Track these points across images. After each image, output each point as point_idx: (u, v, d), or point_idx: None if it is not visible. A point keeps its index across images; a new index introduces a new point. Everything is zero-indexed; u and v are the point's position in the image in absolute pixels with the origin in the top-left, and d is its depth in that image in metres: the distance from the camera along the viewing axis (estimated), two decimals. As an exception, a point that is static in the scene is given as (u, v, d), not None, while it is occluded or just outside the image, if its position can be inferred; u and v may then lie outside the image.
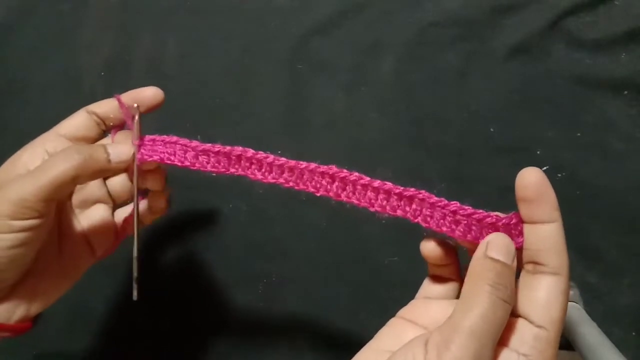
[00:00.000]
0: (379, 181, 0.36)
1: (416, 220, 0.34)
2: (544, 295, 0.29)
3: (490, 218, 0.32)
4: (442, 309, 0.34)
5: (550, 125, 0.57)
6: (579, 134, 0.56)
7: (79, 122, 0.41)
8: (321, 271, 0.56)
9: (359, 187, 0.36)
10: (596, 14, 0.57)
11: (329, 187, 0.37)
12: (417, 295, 0.37)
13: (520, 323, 0.30)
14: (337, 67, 0.59)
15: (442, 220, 0.34)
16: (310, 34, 0.60)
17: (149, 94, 0.42)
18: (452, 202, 0.33)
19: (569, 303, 0.46)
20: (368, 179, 0.36)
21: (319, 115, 0.59)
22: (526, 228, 0.31)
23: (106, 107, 0.42)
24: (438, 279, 0.36)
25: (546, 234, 0.30)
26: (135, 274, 0.41)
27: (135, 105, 0.41)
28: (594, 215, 0.55)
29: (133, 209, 0.42)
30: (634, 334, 0.53)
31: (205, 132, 0.59)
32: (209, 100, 0.60)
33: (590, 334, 0.41)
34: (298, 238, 0.57)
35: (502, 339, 0.29)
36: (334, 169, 0.37)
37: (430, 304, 0.35)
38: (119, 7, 0.62)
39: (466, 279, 0.30)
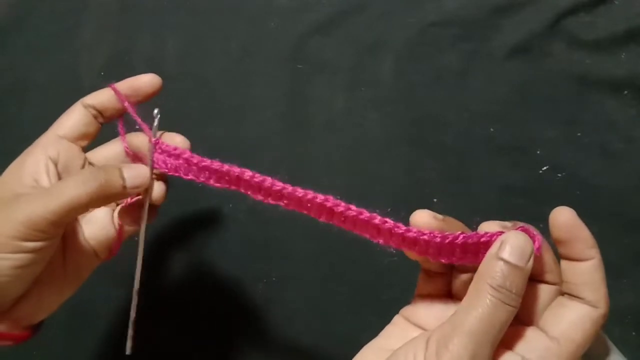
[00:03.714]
0: (378, 217, 0.33)
1: (424, 256, 0.33)
2: (572, 316, 0.30)
3: (496, 237, 0.31)
4: (445, 311, 0.34)
5: (550, 125, 0.57)
6: (579, 134, 0.56)
7: (76, 119, 0.40)
8: (321, 271, 0.56)
9: (359, 222, 0.34)
10: (596, 14, 0.57)
11: (329, 215, 0.36)
12: (416, 292, 0.37)
13: (536, 334, 0.30)
14: (337, 67, 0.59)
15: (451, 255, 0.32)
16: (310, 34, 0.60)
17: (146, 81, 0.41)
18: (458, 234, 0.32)
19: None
20: (368, 214, 0.34)
21: (319, 115, 0.59)
22: (563, 263, 0.31)
23: (102, 97, 0.41)
24: (431, 274, 0.36)
25: (582, 271, 0.30)
26: (133, 314, 0.40)
27: (156, 110, 0.40)
28: (594, 215, 0.54)
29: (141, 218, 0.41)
30: (634, 334, 0.53)
31: (205, 132, 0.59)
32: (209, 100, 0.60)
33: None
34: (298, 238, 0.57)
35: (512, 345, 0.30)
36: (330, 201, 0.34)
37: (433, 304, 0.35)
38: (119, 7, 0.62)
39: (474, 278, 0.30)
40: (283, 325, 0.56)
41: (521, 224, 0.32)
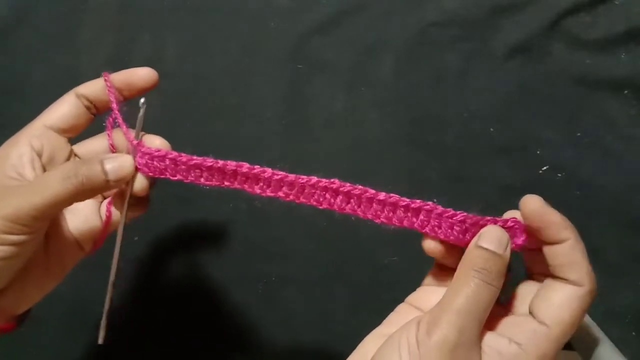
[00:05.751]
0: (384, 194, 0.35)
1: (424, 231, 0.35)
2: (559, 297, 0.31)
3: (491, 222, 0.34)
4: None
5: (550, 125, 0.57)
6: (579, 134, 0.56)
7: (66, 110, 0.39)
8: (321, 271, 0.56)
9: (364, 200, 0.36)
10: (596, 13, 0.57)
11: (332, 200, 0.36)
12: (424, 282, 0.39)
13: (525, 318, 0.32)
14: (337, 67, 0.59)
15: (449, 230, 0.34)
16: (310, 34, 0.60)
17: (142, 75, 0.40)
18: (459, 212, 0.34)
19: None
20: (373, 191, 0.35)
21: (319, 115, 0.59)
22: (544, 249, 0.33)
23: (96, 87, 0.40)
24: (443, 267, 0.37)
25: (561, 253, 0.32)
26: (106, 306, 0.39)
27: (142, 100, 0.39)
28: (594, 215, 0.55)
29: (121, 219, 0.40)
30: (634, 334, 0.53)
31: (205, 132, 0.59)
32: (209, 100, 0.60)
33: (590, 333, 0.41)
34: (298, 238, 0.57)
35: (498, 328, 0.32)
36: (336, 182, 0.36)
37: (436, 291, 0.36)
38: (119, 7, 0.62)
39: (459, 265, 0.33)
40: (283, 325, 0.56)
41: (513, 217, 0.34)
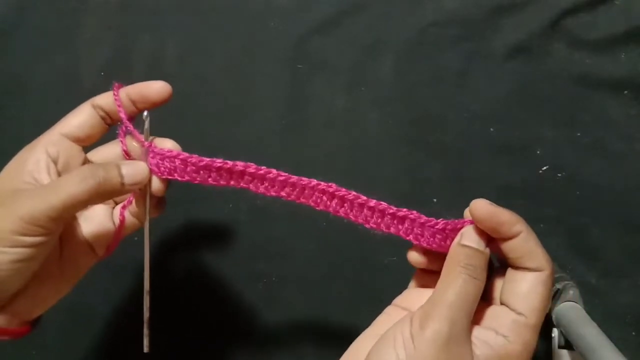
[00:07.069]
0: (374, 201, 0.38)
1: (408, 238, 0.37)
2: (525, 286, 0.33)
3: (468, 223, 0.36)
4: None
5: (550, 125, 0.57)
6: (579, 134, 0.56)
7: (82, 120, 0.40)
8: (321, 271, 0.56)
9: (356, 205, 0.38)
10: (596, 14, 0.57)
11: (328, 203, 0.39)
12: (409, 285, 0.41)
13: (502, 310, 0.34)
14: (337, 67, 0.59)
15: (431, 239, 0.37)
16: (310, 34, 0.60)
17: (156, 89, 0.41)
18: (440, 220, 0.36)
19: (569, 303, 0.46)
20: (364, 198, 0.38)
21: (319, 115, 0.59)
22: (501, 244, 0.35)
23: (111, 99, 0.41)
24: (426, 271, 0.40)
25: (516, 246, 0.34)
26: (146, 315, 0.41)
27: (145, 113, 0.40)
28: (594, 215, 0.55)
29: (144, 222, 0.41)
30: (634, 334, 0.53)
31: (205, 132, 0.59)
32: (209, 100, 0.60)
33: (590, 334, 0.41)
34: (298, 238, 0.57)
35: (483, 322, 0.34)
36: (333, 187, 0.38)
37: (422, 292, 0.38)
38: (119, 7, 0.62)
39: (445, 264, 0.35)
40: (283, 325, 0.56)
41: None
